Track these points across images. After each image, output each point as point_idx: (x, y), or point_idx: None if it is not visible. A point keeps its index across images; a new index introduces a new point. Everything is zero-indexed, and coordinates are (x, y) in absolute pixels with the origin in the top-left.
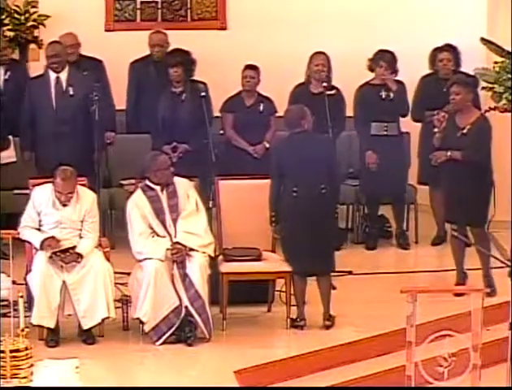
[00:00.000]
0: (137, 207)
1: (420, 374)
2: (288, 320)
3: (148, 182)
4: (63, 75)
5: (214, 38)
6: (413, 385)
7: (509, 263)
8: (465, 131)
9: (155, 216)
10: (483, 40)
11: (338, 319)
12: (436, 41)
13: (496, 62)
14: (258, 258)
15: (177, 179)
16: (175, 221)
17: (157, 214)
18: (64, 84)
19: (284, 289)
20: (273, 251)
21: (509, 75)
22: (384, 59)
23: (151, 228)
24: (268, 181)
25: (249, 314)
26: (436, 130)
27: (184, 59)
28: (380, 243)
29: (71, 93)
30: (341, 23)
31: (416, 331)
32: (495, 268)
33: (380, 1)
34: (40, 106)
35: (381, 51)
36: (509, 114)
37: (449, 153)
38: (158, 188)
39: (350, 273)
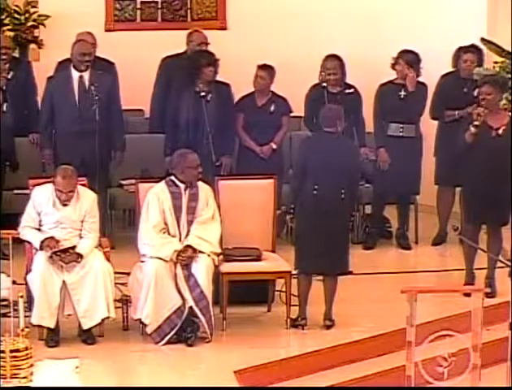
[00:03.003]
0: (158, 199)
1: (420, 374)
2: (289, 320)
3: (173, 178)
4: (86, 75)
5: (214, 38)
6: (413, 385)
7: (509, 263)
8: (500, 131)
9: (173, 212)
10: (483, 40)
11: (338, 319)
12: (436, 41)
13: (496, 62)
14: (258, 258)
15: (201, 184)
16: (189, 223)
17: (175, 211)
18: (87, 83)
19: (284, 289)
20: (273, 251)
21: (509, 75)
22: (404, 58)
23: (165, 224)
24: (268, 181)
25: (249, 314)
26: (476, 123)
27: (216, 60)
28: (380, 243)
29: (94, 92)
30: (341, 22)
31: (416, 331)
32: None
33: (378, 2)
34: (62, 104)
35: (404, 51)
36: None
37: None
38: (182, 186)
39: (350, 273)
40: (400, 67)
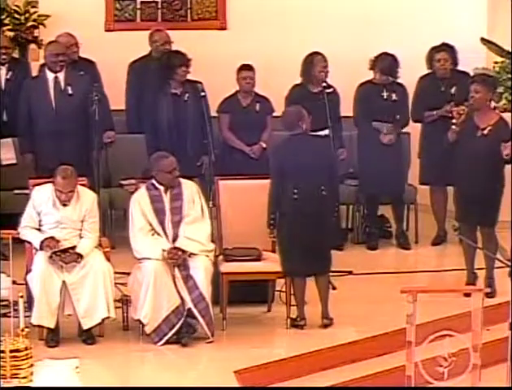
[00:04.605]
0: (139, 204)
1: (420, 374)
2: (288, 320)
3: (154, 181)
4: (61, 75)
5: (214, 38)
6: (413, 385)
7: (509, 263)
8: (485, 132)
9: (155, 216)
10: (483, 40)
11: (338, 319)
12: (436, 41)
13: (496, 62)
14: (258, 258)
15: (184, 182)
16: (176, 223)
17: (156, 214)
18: (63, 84)
19: (284, 289)
20: (273, 251)
21: (509, 75)
22: (379, 66)
23: (151, 225)
24: (268, 181)
25: (249, 314)
26: (453, 121)
27: (188, 59)
28: (381, 243)
29: (70, 92)
30: (342, 23)
31: (416, 331)
32: (495, 268)
33: (379, 2)
34: (38, 106)
35: (381, 55)
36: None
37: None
38: (162, 188)
39: (350, 273)
40: (377, 75)
